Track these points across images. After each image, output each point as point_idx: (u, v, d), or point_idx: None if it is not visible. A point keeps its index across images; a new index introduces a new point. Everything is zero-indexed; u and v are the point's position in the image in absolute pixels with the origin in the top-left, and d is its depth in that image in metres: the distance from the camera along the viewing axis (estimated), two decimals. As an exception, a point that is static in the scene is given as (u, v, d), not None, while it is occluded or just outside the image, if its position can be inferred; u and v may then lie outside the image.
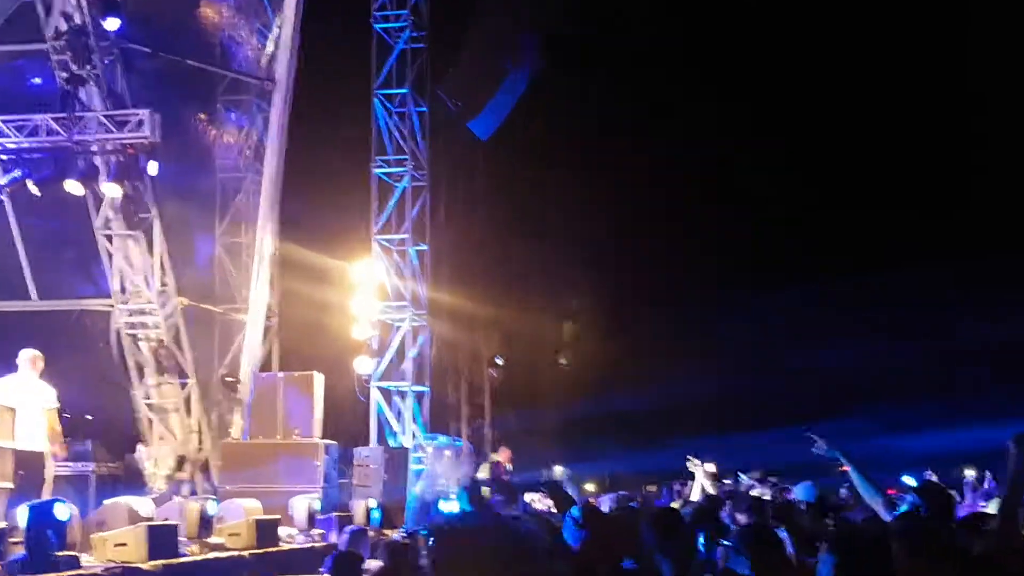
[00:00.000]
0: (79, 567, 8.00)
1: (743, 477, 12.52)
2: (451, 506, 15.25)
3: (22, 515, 8.00)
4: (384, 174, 17.80)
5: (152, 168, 13.18)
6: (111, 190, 13.13)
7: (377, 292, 17.42)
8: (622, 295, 29.02)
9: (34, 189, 12.81)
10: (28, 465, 9.24)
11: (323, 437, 13.88)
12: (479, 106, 17.38)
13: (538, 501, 12.51)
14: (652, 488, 15.84)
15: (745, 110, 26.11)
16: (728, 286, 28.37)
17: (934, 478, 11.45)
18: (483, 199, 21.87)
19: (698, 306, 28.79)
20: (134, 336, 14.58)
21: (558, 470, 21.82)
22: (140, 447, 14.34)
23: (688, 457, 11.10)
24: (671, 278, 28.51)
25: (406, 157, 17.67)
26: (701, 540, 4.87)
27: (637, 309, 29.27)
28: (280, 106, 16.07)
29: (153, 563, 8.51)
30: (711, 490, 9.62)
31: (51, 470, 9.90)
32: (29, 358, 10.21)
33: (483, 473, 17.68)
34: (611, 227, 27.05)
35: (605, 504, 10.68)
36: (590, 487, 19.80)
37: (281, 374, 14.95)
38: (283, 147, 16.17)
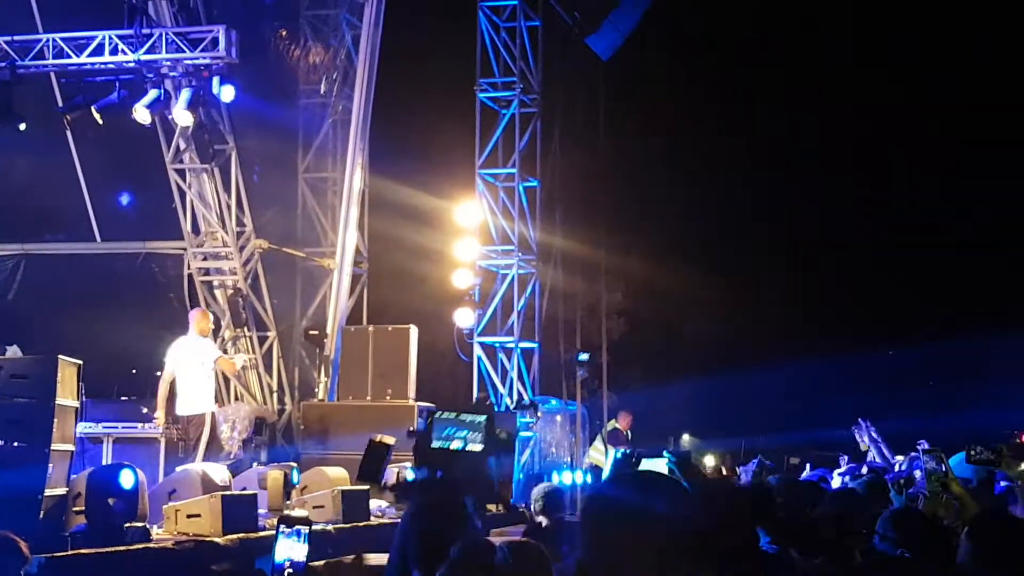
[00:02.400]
0: (149, 540, 8.11)
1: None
2: (565, 478, 15.18)
3: (81, 481, 8.14)
4: (489, 99, 17.59)
5: (228, 93, 13.19)
6: (183, 118, 13.18)
7: (480, 234, 17.30)
8: (773, 243, 28.69)
9: (97, 117, 12.96)
10: (182, 429, 11.35)
11: (418, 399, 13.89)
12: (600, 19, 16.95)
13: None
14: (795, 461, 15.46)
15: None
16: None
17: None
18: (604, 129, 21.46)
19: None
20: (208, 283, 14.78)
21: (686, 439, 21.60)
22: (215, 408, 14.60)
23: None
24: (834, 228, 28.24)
25: (515, 79, 17.41)
26: None
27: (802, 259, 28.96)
28: (372, 21, 15.89)
29: (229, 537, 8.57)
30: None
31: (206, 434, 11.51)
32: (192, 318, 12.06)
33: (599, 441, 17.54)
34: (755, 163, 26.63)
35: (745, 476, 10.41)
36: (710, 460, 19.51)
37: (371, 327, 14.98)
38: (375, 69, 16.02)
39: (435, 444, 4.55)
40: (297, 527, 3.28)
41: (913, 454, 12.13)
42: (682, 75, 25.14)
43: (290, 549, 3.32)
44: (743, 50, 26.01)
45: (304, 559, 3.28)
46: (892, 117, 28.04)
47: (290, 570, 3.29)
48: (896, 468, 10.98)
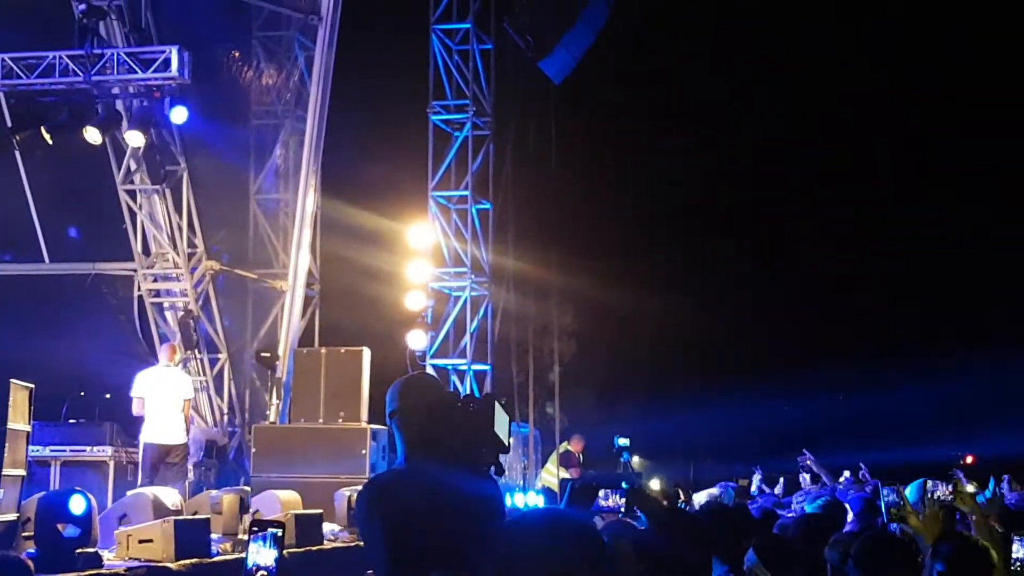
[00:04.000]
0: (100, 566, 8.13)
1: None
2: (517, 500, 15.30)
3: (31, 506, 8.18)
4: (442, 121, 17.77)
5: (180, 114, 13.28)
6: (134, 138, 13.27)
7: (433, 256, 17.44)
8: (720, 261, 29.04)
9: (47, 137, 12.99)
10: (157, 458, 11.53)
11: (371, 421, 13.97)
12: (552, 43, 17.18)
13: (608, 499, 12.43)
14: (744, 483, 15.71)
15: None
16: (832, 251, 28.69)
17: None
18: (557, 151, 21.70)
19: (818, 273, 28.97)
20: (159, 305, 14.81)
21: (636, 462, 21.79)
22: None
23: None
24: (780, 241, 28.68)
25: (467, 102, 17.59)
26: None
27: (739, 278, 29.31)
28: (325, 43, 16.06)
29: (182, 563, 8.60)
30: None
31: (183, 463, 11.89)
32: (164, 349, 12.29)
33: (551, 463, 17.71)
34: (705, 186, 27.03)
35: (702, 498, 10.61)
36: (656, 484, 19.75)
37: (324, 349, 15.05)
38: (328, 91, 16.18)
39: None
40: (267, 531, 3.38)
41: (848, 476, 12.47)
42: (635, 98, 25.52)
43: (258, 554, 3.42)
44: (698, 73, 26.40)
45: (275, 564, 3.38)
46: (853, 138, 28.55)
47: (263, 573, 3.39)
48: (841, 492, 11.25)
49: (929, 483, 6.91)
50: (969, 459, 25.00)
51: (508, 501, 14.80)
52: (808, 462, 13.02)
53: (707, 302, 28.65)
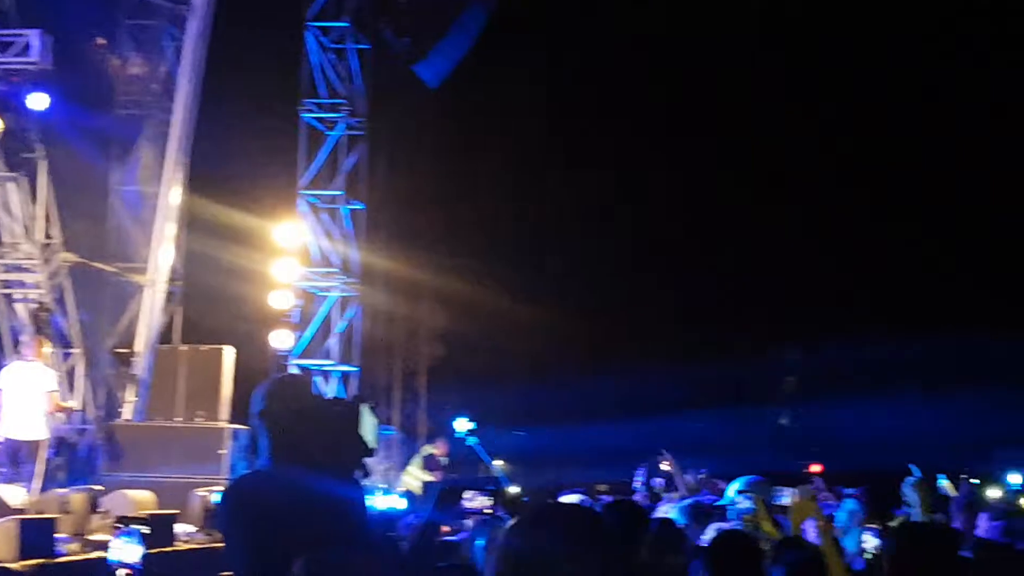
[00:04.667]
0: (-63, 566, 7.86)
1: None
2: (379, 502, 15.23)
3: None
4: (315, 119, 17.60)
5: (40, 100, 12.88)
6: (-10, 124, 12.81)
7: (302, 256, 17.27)
8: (595, 266, 29.47)
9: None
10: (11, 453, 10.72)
11: (232, 421, 13.77)
12: (428, 47, 17.21)
13: (473, 500, 12.46)
14: (603, 487, 15.93)
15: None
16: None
17: None
18: (431, 154, 21.75)
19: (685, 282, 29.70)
20: (8, 296, 14.29)
21: (500, 466, 21.90)
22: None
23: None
24: (649, 246, 29.31)
25: (342, 101, 17.48)
26: None
27: (615, 282, 29.81)
28: (195, 35, 15.76)
29: (25, 563, 8.36)
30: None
31: (42, 460, 11.05)
32: (29, 343, 11.83)
33: (415, 466, 17.69)
34: (582, 189, 27.42)
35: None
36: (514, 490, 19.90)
37: (183, 347, 14.78)
38: (197, 83, 15.86)
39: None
40: (132, 528, 3.32)
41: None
42: (513, 102, 25.69)
43: (121, 550, 3.35)
44: (571, 78, 26.79)
45: (140, 561, 3.31)
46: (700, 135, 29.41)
47: (126, 571, 3.34)
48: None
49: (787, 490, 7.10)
50: (816, 468, 25.76)
51: (371, 504, 14.72)
52: (666, 465, 13.13)
53: (580, 307, 29.01)
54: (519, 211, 26.46)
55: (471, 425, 17.15)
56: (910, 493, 5.52)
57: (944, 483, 10.65)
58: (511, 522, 2.49)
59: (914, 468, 5.89)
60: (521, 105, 25.01)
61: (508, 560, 2.37)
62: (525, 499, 12.65)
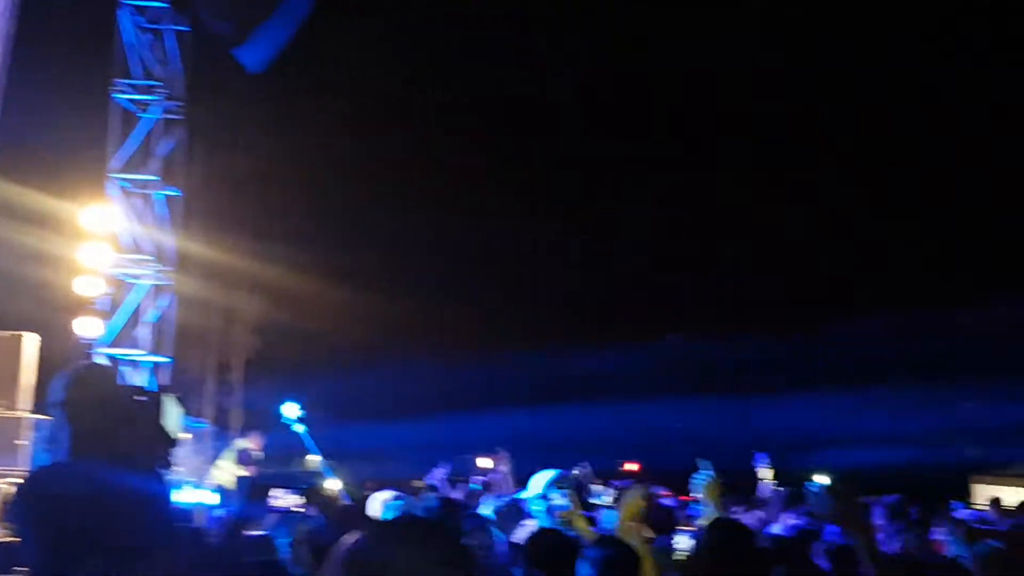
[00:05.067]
0: None
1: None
2: (185, 496, 14.89)
3: None
4: (129, 101, 17.07)
5: None
6: None
7: (112, 242, 16.73)
8: (410, 253, 29.44)
9: None
10: None
11: (35, 411, 13.28)
12: (248, 32, 16.89)
13: (281, 498, 12.38)
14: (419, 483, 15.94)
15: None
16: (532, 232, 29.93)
17: None
18: (252, 140, 21.38)
19: (506, 258, 29.98)
20: None
21: (314, 461, 21.67)
22: None
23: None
24: (472, 235, 29.47)
25: (158, 84, 17.00)
26: None
27: (425, 268, 29.82)
28: (2, 8, 15.05)
29: None
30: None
31: None
32: None
33: (227, 460, 17.38)
34: (397, 178, 27.40)
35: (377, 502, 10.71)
36: (334, 484, 19.81)
37: (-19, 333, 14.13)
38: (5, 60, 15.16)
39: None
40: None
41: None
42: (334, 89, 25.47)
43: None
44: (401, 67, 26.74)
45: None
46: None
47: None
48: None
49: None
50: (634, 466, 26.37)
51: (177, 497, 14.41)
52: (497, 462, 13.28)
53: (407, 295, 28.99)
54: (342, 198, 26.29)
55: (300, 412, 16.57)
56: (701, 491, 5.73)
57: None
58: (358, 534, 2.50)
59: (703, 464, 6.11)
60: (343, 91, 24.86)
61: (354, 570, 2.40)
62: (346, 495, 12.58)
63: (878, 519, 6.89)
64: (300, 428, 15.57)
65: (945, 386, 35.26)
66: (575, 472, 10.04)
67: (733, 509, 8.84)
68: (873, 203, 31.59)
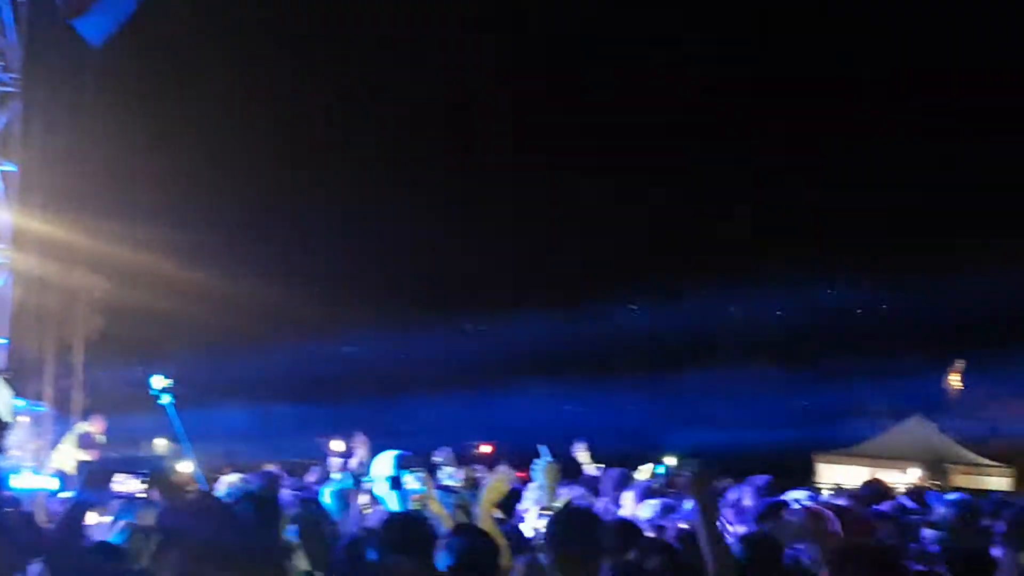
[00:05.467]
0: None
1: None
2: (23, 482, 14.39)
3: None
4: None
5: None
6: None
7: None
8: (259, 233, 28.99)
9: None
10: None
11: None
12: (89, 2, 16.36)
13: (124, 483, 12.04)
14: (271, 467, 15.77)
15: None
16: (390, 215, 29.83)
17: None
18: (94, 114, 20.66)
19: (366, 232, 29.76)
20: None
21: (161, 445, 21.22)
22: None
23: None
24: (333, 209, 29.18)
25: (-8, 54, 16.32)
26: None
27: (275, 249, 29.44)
28: None
29: None
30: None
31: None
32: None
33: (68, 444, 16.89)
34: (245, 156, 26.97)
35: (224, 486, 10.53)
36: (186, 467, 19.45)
37: None
38: None
39: None
40: None
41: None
42: (186, 61, 24.90)
43: None
44: (252, 41, 26.28)
45: None
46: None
47: None
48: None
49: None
50: (488, 448, 26.52)
51: (15, 483, 13.92)
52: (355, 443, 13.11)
53: (257, 276, 28.53)
54: (189, 176, 25.72)
55: (168, 383, 15.84)
56: (539, 476, 5.80)
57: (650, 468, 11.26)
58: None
59: (543, 450, 6.20)
60: (194, 63, 24.33)
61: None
62: (201, 479, 12.32)
63: (745, 500, 7.05)
64: (167, 399, 15.10)
65: (788, 367, 36.52)
66: (435, 457, 10.06)
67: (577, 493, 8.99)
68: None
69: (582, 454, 11.06)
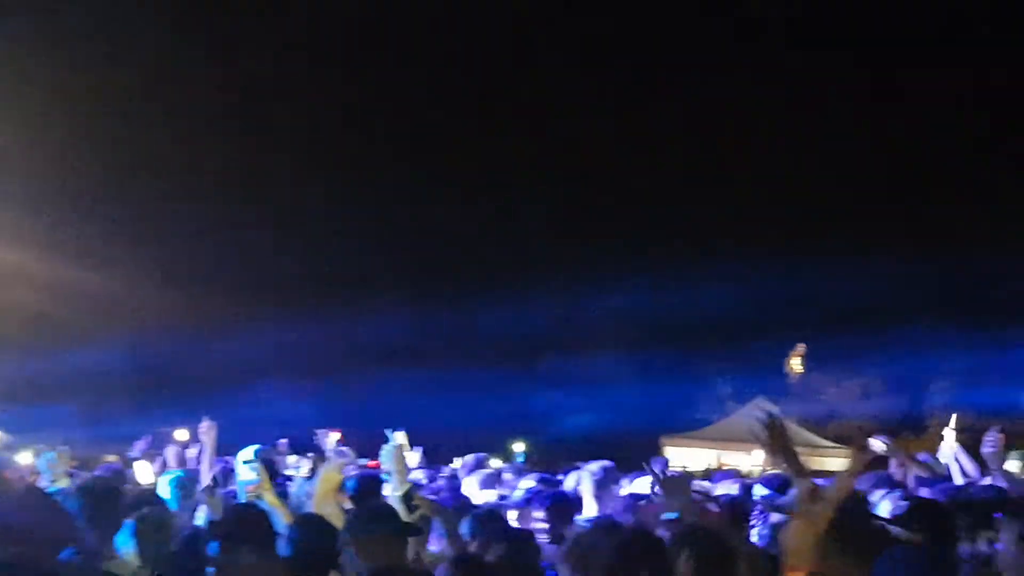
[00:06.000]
0: None
1: None
2: None
3: None
4: None
5: None
6: None
7: None
8: (101, 218, 28.18)
9: None
10: None
11: None
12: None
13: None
14: (112, 458, 15.26)
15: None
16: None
17: None
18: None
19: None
20: None
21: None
22: None
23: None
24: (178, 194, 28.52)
25: None
26: None
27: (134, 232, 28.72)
28: None
29: None
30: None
31: None
32: None
33: None
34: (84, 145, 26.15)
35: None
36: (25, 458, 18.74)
37: None
38: None
39: None
40: None
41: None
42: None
43: None
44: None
45: None
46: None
47: None
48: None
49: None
50: (336, 435, 26.22)
51: None
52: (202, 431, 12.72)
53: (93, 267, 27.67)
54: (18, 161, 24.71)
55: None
56: (387, 461, 5.75)
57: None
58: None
59: (391, 435, 6.14)
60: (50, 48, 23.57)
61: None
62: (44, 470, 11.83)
63: (583, 485, 7.08)
64: None
65: (635, 355, 37.20)
66: (271, 447, 9.90)
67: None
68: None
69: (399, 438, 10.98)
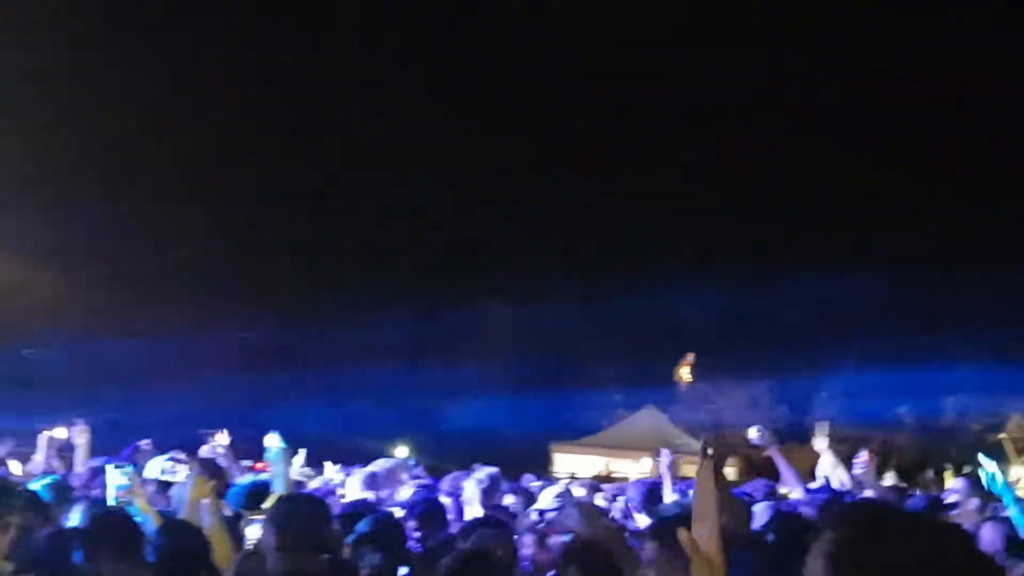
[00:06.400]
0: None
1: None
2: None
3: None
4: None
5: None
6: None
7: None
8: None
9: None
10: None
11: None
12: None
13: None
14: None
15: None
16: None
17: None
18: None
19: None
20: None
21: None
22: None
23: None
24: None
25: None
26: None
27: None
28: None
29: None
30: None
31: None
32: None
33: None
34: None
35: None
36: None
37: None
38: None
39: None
40: None
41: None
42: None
43: None
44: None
45: None
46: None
47: None
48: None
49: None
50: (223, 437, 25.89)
51: None
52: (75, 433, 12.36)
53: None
54: None
55: None
56: (275, 463, 5.66)
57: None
58: None
59: (276, 438, 6.05)
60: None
61: None
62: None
63: (468, 491, 7.02)
64: None
65: (526, 361, 37.38)
66: (133, 449, 9.65)
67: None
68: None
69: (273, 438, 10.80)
